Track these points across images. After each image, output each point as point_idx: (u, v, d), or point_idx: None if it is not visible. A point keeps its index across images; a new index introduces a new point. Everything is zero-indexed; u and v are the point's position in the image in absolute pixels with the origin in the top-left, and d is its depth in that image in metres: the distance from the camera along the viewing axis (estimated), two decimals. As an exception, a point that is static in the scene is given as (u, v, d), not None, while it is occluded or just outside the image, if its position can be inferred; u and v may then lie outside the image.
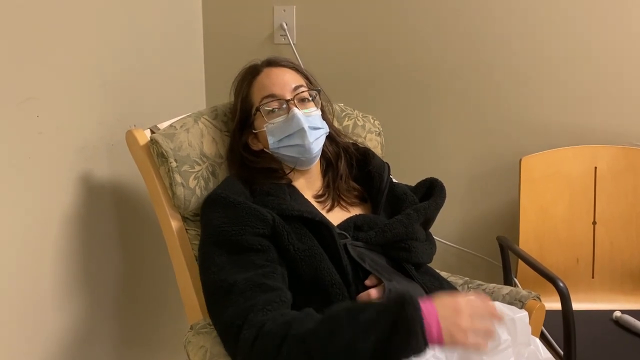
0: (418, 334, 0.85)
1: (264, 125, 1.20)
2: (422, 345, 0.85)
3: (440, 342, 0.87)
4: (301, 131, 1.17)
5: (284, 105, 1.19)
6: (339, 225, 1.16)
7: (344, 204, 1.25)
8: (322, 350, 0.87)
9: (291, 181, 1.22)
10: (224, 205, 1.10)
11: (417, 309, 0.86)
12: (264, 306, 0.96)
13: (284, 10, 1.88)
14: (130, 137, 1.24)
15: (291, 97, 1.19)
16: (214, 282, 1.02)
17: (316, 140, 1.19)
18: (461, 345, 0.89)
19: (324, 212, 1.19)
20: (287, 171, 1.22)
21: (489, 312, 0.92)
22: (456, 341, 0.88)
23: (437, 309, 0.89)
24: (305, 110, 1.20)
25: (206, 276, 1.05)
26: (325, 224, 1.11)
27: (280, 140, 1.19)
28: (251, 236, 1.05)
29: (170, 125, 1.25)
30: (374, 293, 1.06)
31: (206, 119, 1.30)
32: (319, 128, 1.21)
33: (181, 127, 1.24)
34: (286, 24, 1.88)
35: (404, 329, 0.85)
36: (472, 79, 1.85)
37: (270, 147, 1.20)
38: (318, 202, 1.22)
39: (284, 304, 0.98)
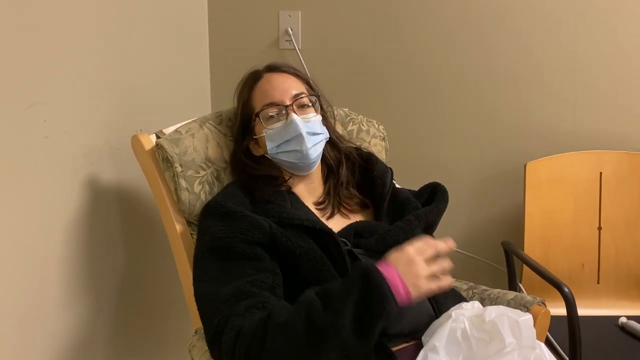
0: (388, 296, 0.89)
1: (263, 131, 1.20)
2: (394, 306, 0.89)
3: (409, 297, 0.92)
4: (299, 137, 1.17)
5: (283, 111, 1.19)
6: (340, 232, 1.16)
7: (344, 210, 1.25)
8: (305, 333, 0.90)
9: (291, 188, 1.22)
10: (221, 213, 1.10)
11: (380, 273, 0.90)
12: (244, 311, 0.96)
13: (289, 16, 1.89)
14: (135, 142, 1.25)
15: (290, 102, 1.19)
16: (205, 293, 1.03)
17: (314, 146, 1.19)
18: (426, 293, 0.94)
19: (324, 220, 1.19)
20: (287, 177, 1.22)
21: (436, 250, 0.96)
22: (421, 291, 0.93)
23: (396, 268, 0.93)
24: (304, 116, 1.20)
25: (198, 286, 1.05)
26: (326, 231, 1.10)
27: (278, 146, 1.19)
28: (244, 244, 1.05)
29: (176, 130, 1.26)
30: None
31: (211, 124, 1.31)
32: (318, 134, 1.21)
33: (186, 132, 1.25)
34: (291, 29, 1.89)
35: (377, 296, 0.89)
36: (477, 84, 1.85)
37: (268, 152, 1.21)
38: (318, 209, 1.22)
39: (265, 309, 0.97)
